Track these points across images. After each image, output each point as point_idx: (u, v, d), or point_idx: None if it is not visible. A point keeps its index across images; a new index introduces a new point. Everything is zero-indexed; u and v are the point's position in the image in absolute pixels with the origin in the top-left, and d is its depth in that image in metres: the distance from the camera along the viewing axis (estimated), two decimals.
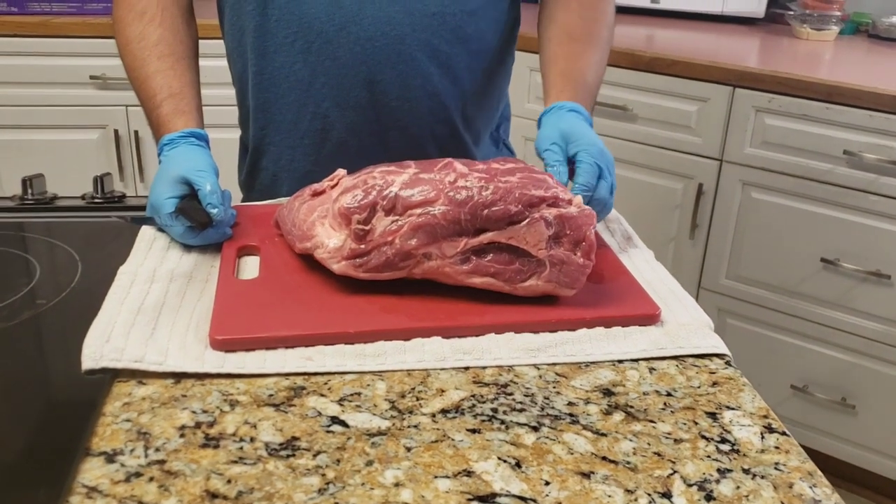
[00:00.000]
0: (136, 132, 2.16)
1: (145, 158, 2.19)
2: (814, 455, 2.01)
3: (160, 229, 0.87)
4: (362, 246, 0.74)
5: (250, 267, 0.85)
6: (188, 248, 0.87)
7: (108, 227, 0.93)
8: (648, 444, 0.61)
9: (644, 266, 0.87)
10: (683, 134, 1.91)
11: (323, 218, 0.78)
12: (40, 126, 2.16)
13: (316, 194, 0.84)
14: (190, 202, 0.86)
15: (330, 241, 0.76)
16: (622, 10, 2.32)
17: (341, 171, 0.83)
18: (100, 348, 0.68)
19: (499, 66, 1.11)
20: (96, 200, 1.00)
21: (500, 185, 0.72)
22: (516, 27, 1.12)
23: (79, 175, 2.21)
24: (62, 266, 0.83)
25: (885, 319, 1.77)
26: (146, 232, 0.89)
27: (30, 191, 0.99)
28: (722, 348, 0.72)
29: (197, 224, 0.84)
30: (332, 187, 0.82)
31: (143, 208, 0.94)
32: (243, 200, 1.15)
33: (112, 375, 0.67)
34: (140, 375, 0.67)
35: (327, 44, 0.98)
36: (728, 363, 0.71)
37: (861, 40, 2.20)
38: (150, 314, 0.74)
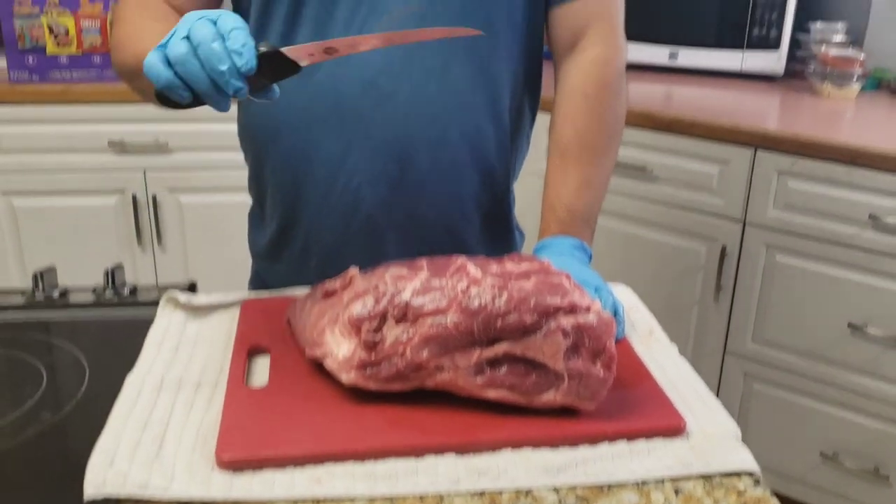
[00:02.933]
0: (153, 197, 2.15)
1: (163, 223, 2.18)
2: None
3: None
4: (372, 356, 0.71)
5: (261, 368, 0.82)
6: (197, 346, 0.85)
7: (119, 326, 0.91)
8: None
9: (668, 363, 0.84)
10: (705, 195, 1.88)
11: (333, 323, 0.76)
12: (60, 192, 2.17)
13: (328, 295, 0.82)
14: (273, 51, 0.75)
15: (339, 350, 0.74)
16: (640, 68, 2.31)
17: (353, 271, 0.81)
18: (103, 473, 0.65)
19: (523, 141, 1.11)
20: (107, 297, 0.98)
21: (515, 293, 0.69)
22: (537, 101, 1.11)
23: (98, 240, 2.22)
24: (69, 372, 0.81)
25: None
26: (155, 332, 0.87)
27: (40, 285, 0.98)
28: (750, 464, 0.69)
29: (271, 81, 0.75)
30: (344, 288, 0.80)
31: (156, 304, 0.92)
32: (266, 271, 1.13)
33: (116, 503, 0.65)
34: (145, 503, 0.65)
35: (361, 121, 0.97)
36: (756, 482, 0.68)
37: (884, 96, 2.17)
38: (157, 429, 0.71)
